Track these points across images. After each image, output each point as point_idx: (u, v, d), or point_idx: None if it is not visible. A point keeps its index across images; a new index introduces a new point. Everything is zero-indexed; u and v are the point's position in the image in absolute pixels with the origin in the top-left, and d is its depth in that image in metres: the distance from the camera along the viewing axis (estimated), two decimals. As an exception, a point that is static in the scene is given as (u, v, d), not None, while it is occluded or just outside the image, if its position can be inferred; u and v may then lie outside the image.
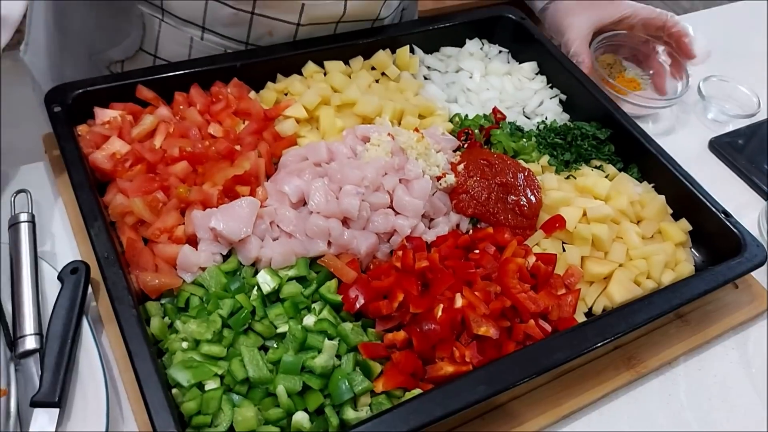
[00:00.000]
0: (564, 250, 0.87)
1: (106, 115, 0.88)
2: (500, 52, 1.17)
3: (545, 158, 0.98)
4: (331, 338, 0.72)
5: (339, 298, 0.76)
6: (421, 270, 0.78)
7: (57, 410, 0.65)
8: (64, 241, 0.83)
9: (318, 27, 1.01)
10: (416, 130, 0.93)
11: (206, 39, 0.99)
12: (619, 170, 1.00)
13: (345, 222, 0.81)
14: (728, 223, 0.89)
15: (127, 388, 0.71)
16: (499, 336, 0.73)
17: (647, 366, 0.83)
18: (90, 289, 0.74)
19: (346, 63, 1.04)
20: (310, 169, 0.85)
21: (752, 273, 0.88)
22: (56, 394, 0.65)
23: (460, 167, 0.90)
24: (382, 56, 1.05)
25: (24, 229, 0.76)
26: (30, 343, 0.69)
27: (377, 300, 0.76)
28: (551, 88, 1.13)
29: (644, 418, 0.80)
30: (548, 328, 0.77)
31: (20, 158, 0.92)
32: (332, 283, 0.77)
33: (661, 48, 1.18)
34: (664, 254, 0.87)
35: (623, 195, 0.92)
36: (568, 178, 0.98)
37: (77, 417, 0.67)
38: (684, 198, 0.94)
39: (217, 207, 0.80)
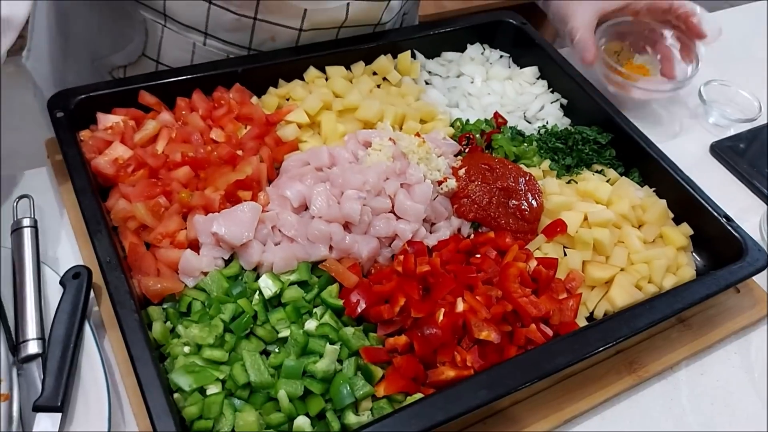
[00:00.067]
0: (565, 254, 0.87)
1: (108, 120, 0.88)
2: (501, 56, 1.18)
3: (546, 163, 0.99)
4: (332, 343, 0.72)
5: (340, 302, 0.76)
6: (422, 274, 0.78)
7: (59, 415, 0.65)
8: (66, 246, 0.83)
9: (320, 32, 1.02)
10: (417, 134, 0.94)
11: (209, 44, 1.00)
12: (621, 174, 1.00)
13: (346, 226, 0.81)
14: (729, 228, 0.89)
15: (129, 392, 0.71)
16: (501, 340, 0.73)
17: (649, 370, 0.83)
18: (92, 294, 0.75)
19: (348, 68, 1.05)
20: (311, 173, 0.85)
21: (754, 277, 0.88)
22: (59, 399, 0.65)
23: (462, 172, 0.90)
24: (383, 61, 1.06)
25: (27, 234, 0.77)
26: (32, 347, 0.69)
27: (378, 304, 0.76)
28: (552, 92, 1.14)
29: (646, 422, 0.80)
30: (549, 332, 0.77)
31: (23, 163, 0.92)
32: (334, 288, 0.77)
33: (668, 32, 1.16)
34: (666, 258, 0.87)
35: (624, 199, 0.92)
36: (569, 182, 0.98)
37: (79, 421, 0.67)
38: (685, 202, 0.94)
39: (219, 212, 0.80)
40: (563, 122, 1.10)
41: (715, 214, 0.91)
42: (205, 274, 0.77)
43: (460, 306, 0.75)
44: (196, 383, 0.67)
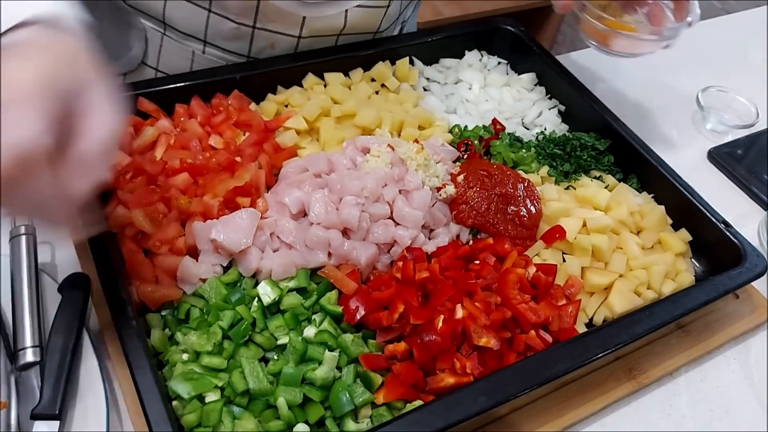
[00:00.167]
0: (564, 260, 0.87)
1: (107, 127, 0.88)
2: (499, 63, 1.18)
3: (545, 169, 0.99)
4: (331, 350, 0.72)
5: (339, 309, 0.76)
6: (421, 281, 0.78)
7: (57, 422, 0.65)
8: (64, 253, 0.83)
9: (319, 39, 1.02)
10: (416, 141, 0.94)
11: (208, 53, 1.00)
12: (619, 181, 1.00)
13: (345, 233, 0.81)
14: (728, 234, 0.89)
15: (128, 400, 0.71)
16: (500, 347, 0.73)
17: (648, 377, 0.83)
18: (90, 301, 0.74)
19: (346, 75, 1.05)
20: (310, 180, 0.85)
21: (753, 283, 0.88)
22: (56, 407, 0.64)
23: (460, 178, 0.90)
24: (381, 68, 1.06)
25: (24, 241, 0.76)
26: (30, 355, 0.68)
27: (378, 311, 0.76)
28: (550, 98, 1.14)
29: (646, 429, 0.80)
30: (549, 338, 0.77)
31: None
32: (332, 295, 0.77)
33: None
34: (665, 264, 0.87)
35: (623, 205, 0.92)
36: (567, 188, 0.98)
37: (77, 429, 0.67)
38: (684, 208, 0.94)
39: (217, 218, 0.80)
40: (561, 128, 1.10)
41: (714, 220, 0.91)
42: (204, 280, 0.77)
43: (460, 312, 0.75)
44: (194, 390, 0.67)
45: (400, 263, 0.80)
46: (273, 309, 0.76)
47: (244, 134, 0.93)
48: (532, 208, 0.89)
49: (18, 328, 0.70)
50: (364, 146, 0.91)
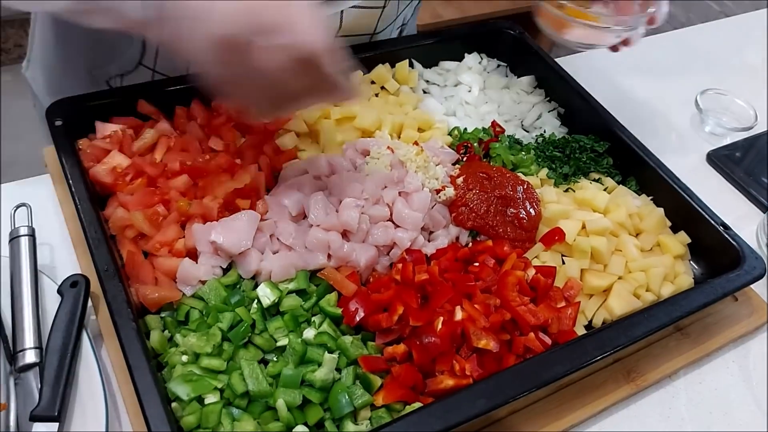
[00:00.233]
0: (563, 262, 0.87)
1: (106, 129, 0.88)
2: (498, 66, 1.18)
3: (544, 171, 0.99)
4: (331, 351, 0.72)
5: (339, 311, 0.76)
6: (420, 283, 0.78)
7: (56, 424, 0.65)
8: (64, 255, 0.83)
9: None
10: (416, 143, 0.94)
11: None
12: (618, 183, 1.01)
13: (345, 235, 0.81)
14: (727, 236, 0.90)
15: (127, 401, 0.71)
16: (499, 349, 0.73)
17: (647, 379, 0.83)
18: (90, 303, 0.74)
19: (346, 77, 1.05)
20: (310, 182, 0.85)
21: (751, 286, 0.88)
22: (56, 408, 0.64)
23: (460, 180, 0.91)
24: (381, 70, 1.06)
25: (24, 242, 0.76)
26: (30, 357, 0.68)
27: (377, 313, 0.76)
28: (549, 101, 1.14)
29: (645, 431, 0.80)
30: (548, 341, 0.77)
31: (21, 172, 0.92)
32: (332, 296, 0.77)
33: None
34: (663, 267, 0.87)
35: (622, 208, 0.92)
36: (566, 191, 0.98)
37: (77, 430, 0.66)
38: (682, 211, 0.94)
39: (217, 220, 0.80)
40: (560, 131, 1.10)
41: (712, 222, 0.91)
42: (203, 282, 0.77)
43: (459, 314, 0.75)
44: (194, 392, 0.67)
45: (400, 265, 0.80)
46: (272, 311, 0.76)
47: (244, 136, 0.93)
48: (532, 211, 0.89)
49: (17, 329, 0.70)
50: (363, 148, 0.91)
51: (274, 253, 0.80)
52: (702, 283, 0.85)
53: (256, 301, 0.75)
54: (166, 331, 0.74)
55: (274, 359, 0.73)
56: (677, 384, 0.85)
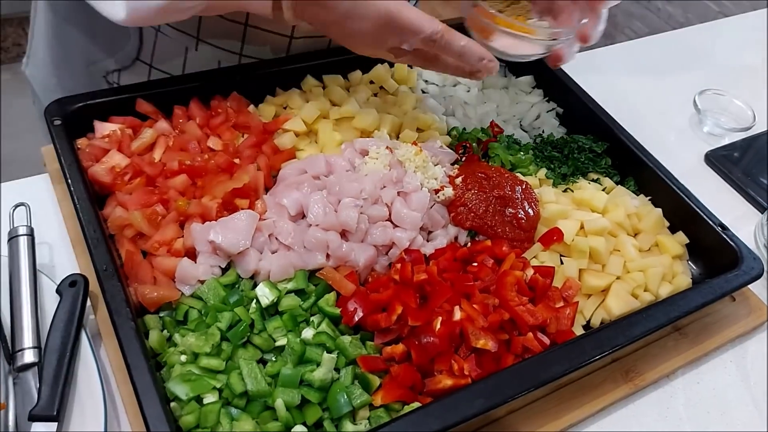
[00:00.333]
0: (562, 262, 0.88)
1: (105, 128, 0.88)
2: (497, 66, 1.18)
3: (542, 171, 0.99)
4: (329, 351, 0.72)
5: (338, 311, 0.76)
6: (419, 283, 0.78)
7: (55, 424, 0.65)
8: (63, 254, 0.83)
9: (312, 40, 1.02)
10: (414, 143, 0.94)
11: (200, 50, 1.00)
12: (616, 183, 1.01)
13: (343, 235, 0.81)
14: (725, 236, 0.90)
15: (126, 401, 0.71)
16: (498, 349, 0.73)
17: (645, 379, 0.83)
18: (89, 302, 0.74)
19: (345, 77, 1.05)
20: (308, 182, 0.86)
21: (749, 286, 0.88)
22: (54, 408, 0.64)
23: (458, 180, 0.91)
24: (380, 70, 1.06)
25: (23, 242, 0.76)
26: (28, 356, 0.68)
27: (376, 313, 0.76)
28: (548, 101, 1.14)
29: (643, 431, 0.80)
30: (546, 340, 0.77)
31: (20, 171, 0.92)
32: (331, 296, 0.77)
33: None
34: (662, 267, 0.87)
35: (620, 208, 0.92)
36: (565, 191, 0.98)
37: (75, 430, 0.66)
38: (681, 211, 0.94)
39: (216, 220, 0.80)
40: (559, 131, 1.10)
41: (711, 222, 0.91)
42: (202, 282, 0.77)
43: (458, 314, 0.75)
44: (193, 392, 0.67)
45: (399, 265, 0.80)
46: (271, 310, 0.76)
47: (243, 136, 0.93)
48: (530, 211, 0.89)
49: (16, 329, 0.70)
50: (362, 148, 0.92)
51: (273, 252, 0.80)
52: (700, 284, 0.85)
53: (254, 300, 0.75)
54: (165, 331, 0.74)
55: (273, 359, 0.73)
56: (675, 384, 0.85)
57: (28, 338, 0.70)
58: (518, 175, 0.96)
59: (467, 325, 0.74)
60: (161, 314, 0.75)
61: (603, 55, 1.40)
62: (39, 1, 1.08)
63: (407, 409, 0.70)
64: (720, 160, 1.17)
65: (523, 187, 0.91)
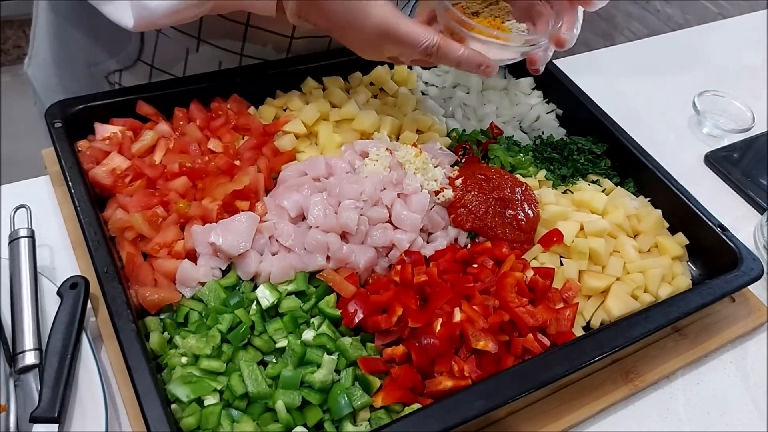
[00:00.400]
0: (562, 264, 0.88)
1: (106, 130, 0.88)
2: (497, 67, 1.18)
3: (542, 173, 0.99)
4: (330, 353, 0.72)
5: (338, 312, 0.76)
6: (419, 284, 0.78)
7: (56, 425, 0.65)
8: (63, 257, 0.83)
9: (312, 40, 1.02)
10: (414, 145, 0.94)
11: (201, 50, 1.00)
12: (616, 184, 1.01)
13: (344, 236, 0.82)
14: (724, 237, 0.90)
15: (126, 403, 0.71)
16: (498, 350, 0.74)
17: (645, 380, 0.83)
18: (89, 305, 0.74)
19: (345, 79, 1.05)
20: (308, 184, 0.86)
21: (749, 287, 0.88)
22: (55, 410, 0.64)
23: (458, 182, 0.91)
24: (380, 72, 1.06)
25: (24, 244, 0.76)
26: (29, 358, 0.69)
27: (376, 314, 0.76)
28: (548, 102, 1.14)
29: (643, 431, 0.80)
30: (546, 342, 0.77)
31: (20, 173, 0.93)
32: (331, 298, 0.77)
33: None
34: (661, 268, 0.88)
35: (620, 209, 0.92)
36: (565, 192, 0.98)
37: (76, 432, 0.67)
38: (680, 212, 0.95)
39: (216, 222, 0.80)
40: (559, 132, 1.10)
41: (710, 223, 0.92)
42: (203, 284, 0.77)
43: (458, 316, 0.75)
44: (193, 394, 0.67)
45: (399, 267, 0.80)
46: (272, 312, 0.76)
47: (243, 138, 0.93)
48: (530, 212, 0.89)
49: (17, 331, 0.70)
50: (362, 150, 0.92)
51: (273, 254, 0.80)
52: (700, 285, 0.86)
53: (255, 302, 0.75)
54: (166, 333, 0.74)
55: (274, 361, 0.73)
56: (675, 384, 0.85)
57: (29, 340, 0.70)
58: (518, 176, 0.96)
59: (467, 326, 0.74)
60: (162, 316, 0.75)
61: (602, 57, 1.40)
62: (41, 1, 1.09)
63: (408, 410, 0.70)
64: (719, 161, 1.17)
65: (523, 188, 0.91)
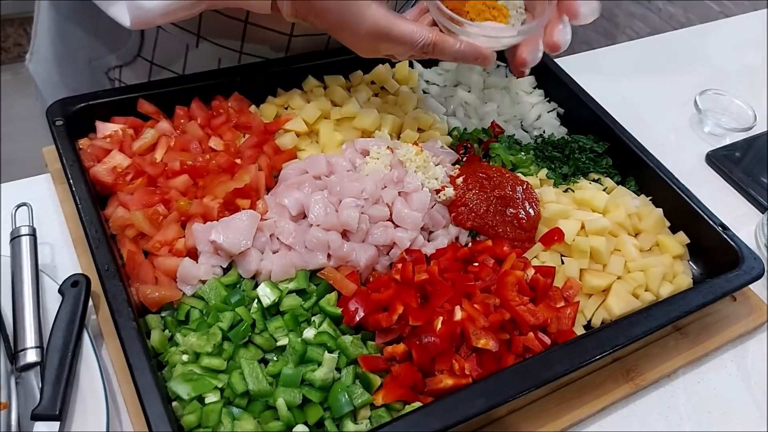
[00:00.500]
0: (563, 262, 0.88)
1: (107, 128, 0.89)
2: (498, 66, 1.18)
3: (543, 171, 0.99)
4: (330, 351, 0.72)
5: (339, 310, 0.76)
6: (420, 282, 0.78)
7: (57, 423, 0.65)
8: (64, 254, 0.84)
9: (311, 38, 1.02)
10: (415, 143, 0.94)
11: (201, 47, 1.01)
12: (617, 183, 1.01)
13: (344, 234, 0.82)
14: (725, 236, 0.90)
15: (127, 400, 0.71)
16: (499, 348, 0.74)
17: (646, 378, 0.83)
18: (90, 302, 0.75)
19: (346, 77, 1.05)
20: (309, 182, 0.86)
21: (750, 286, 0.88)
22: (57, 407, 0.65)
23: (459, 180, 0.91)
24: (381, 70, 1.06)
25: (25, 242, 0.77)
26: (31, 356, 0.69)
27: (377, 313, 0.76)
28: (549, 101, 1.14)
29: (643, 430, 0.80)
30: (547, 340, 0.77)
31: (21, 171, 0.93)
32: (332, 296, 0.77)
33: None
34: (662, 267, 0.87)
35: (621, 208, 0.92)
36: (566, 191, 0.98)
37: (77, 430, 0.67)
38: (681, 211, 0.94)
39: (217, 220, 0.80)
40: (560, 131, 1.10)
41: (711, 222, 0.91)
42: (204, 282, 0.77)
43: (458, 314, 0.75)
44: (194, 391, 0.67)
45: (399, 265, 0.80)
46: (272, 310, 0.76)
47: (244, 136, 0.93)
48: (531, 211, 0.89)
49: (18, 328, 0.70)
50: (363, 148, 0.92)
51: (274, 252, 0.80)
52: (701, 283, 0.86)
53: (256, 300, 0.75)
54: (167, 331, 0.74)
55: (274, 359, 0.73)
56: (676, 383, 0.85)
57: (30, 338, 0.70)
58: (519, 175, 0.96)
59: (468, 324, 0.74)
60: (163, 314, 0.76)
61: (604, 55, 1.40)
62: (42, 0, 1.09)
63: (408, 408, 0.70)
64: (721, 160, 1.17)
65: (524, 187, 0.91)
